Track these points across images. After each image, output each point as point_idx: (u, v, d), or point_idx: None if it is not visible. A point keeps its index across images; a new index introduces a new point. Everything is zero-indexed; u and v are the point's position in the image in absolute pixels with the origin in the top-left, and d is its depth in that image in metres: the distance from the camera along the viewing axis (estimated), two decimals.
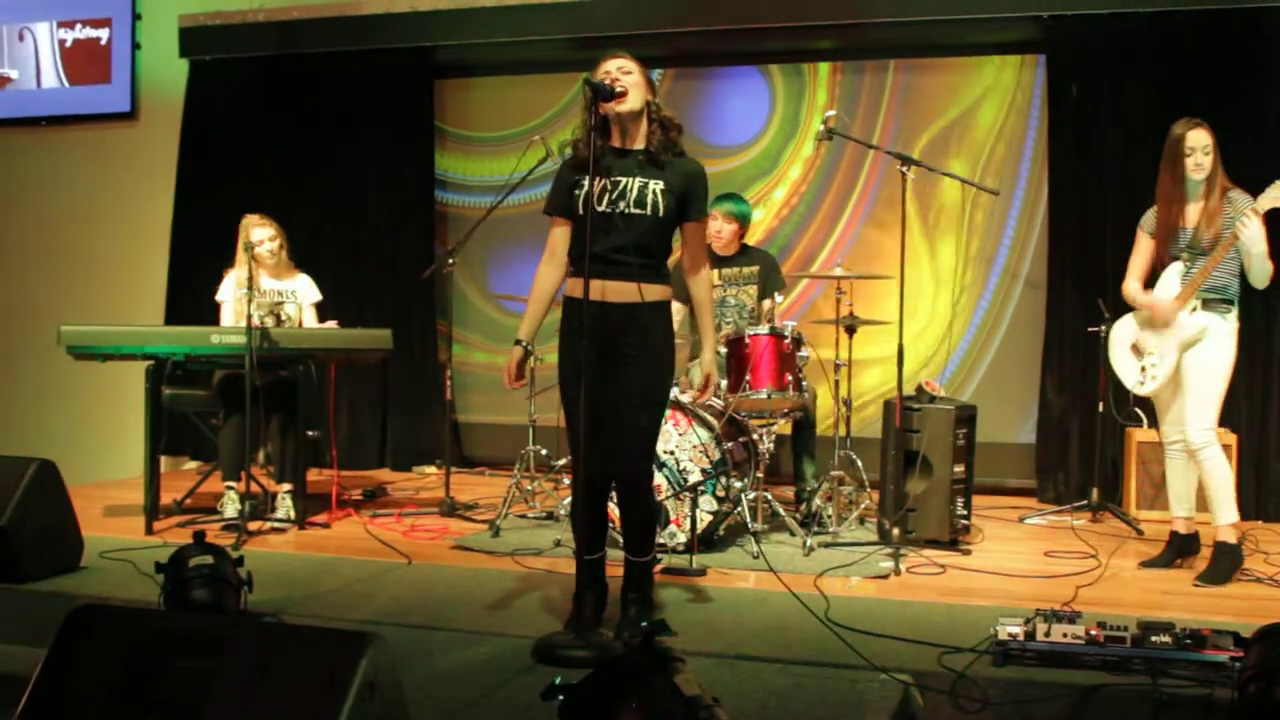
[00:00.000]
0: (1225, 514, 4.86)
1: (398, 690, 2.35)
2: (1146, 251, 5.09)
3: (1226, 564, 4.86)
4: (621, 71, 3.87)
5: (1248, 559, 5.20)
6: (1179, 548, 5.11)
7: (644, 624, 3.81)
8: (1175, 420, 5.03)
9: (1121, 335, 5.23)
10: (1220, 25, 6.48)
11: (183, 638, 2.39)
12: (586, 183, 3.83)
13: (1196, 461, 4.87)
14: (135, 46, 8.55)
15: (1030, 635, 3.61)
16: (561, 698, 2.17)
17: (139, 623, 2.52)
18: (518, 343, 4.09)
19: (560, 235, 4.05)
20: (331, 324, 6.11)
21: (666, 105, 4.00)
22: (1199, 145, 4.83)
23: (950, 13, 6.95)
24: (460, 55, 8.04)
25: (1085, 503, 6.31)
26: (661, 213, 3.86)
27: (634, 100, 3.86)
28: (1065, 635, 3.59)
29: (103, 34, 8.58)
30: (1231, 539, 4.88)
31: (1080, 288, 6.68)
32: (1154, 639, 3.53)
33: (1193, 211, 4.90)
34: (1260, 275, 4.82)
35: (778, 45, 7.53)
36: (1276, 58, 6.39)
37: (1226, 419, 6.36)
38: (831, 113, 5.43)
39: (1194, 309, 4.86)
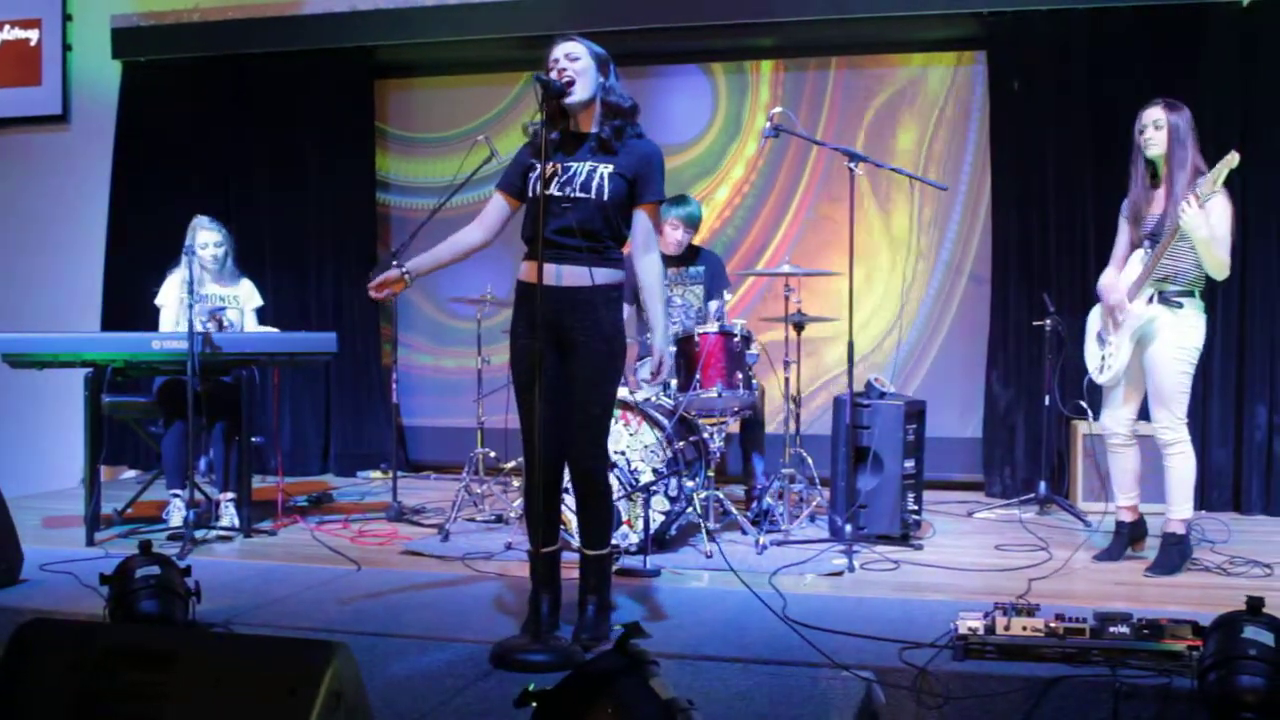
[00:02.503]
0: (1182, 508, 4.91)
1: (363, 700, 2.30)
2: (1123, 238, 5.06)
3: (1176, 554, 4.90)
4: (569, 59, 3.83)
5: (1195, 549, 5.27)
6: (1129, 536, 5.14)
7: (619, 626, 3.77)
8: (1114, 412, 5.07)
9: (1091, 323, 5.21)
10: (1157, 20, 6.55)
11: (135, 651, 2.32)
12: (537, 164, 3.81)
13: (1165, 457, 4.90)
14: (66, 48, 8.37)
15: (990, 629, 3.61)
16: (535, 705, 2.13)
17: (89, 637, 2.44)
18: (398, 265, 4.01)
19: (495, 206, 4.03)
20: (271, 330, 6.03)
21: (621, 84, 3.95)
22: (1149, 121, 4.81)
23: (891, 10, 6.97)
24: (401, 55, 7.97)
25: (1032, 496, 6.35)
26: (606, 196, 3.81)
27: (581, 90, 3.82)
28: (1025, 628, 3.60)
29: (32, 35, 8.40)
30: (1181, 530, 4.92)
31: (1024, 282, 6.73)
32: (1112, 630, 3.55)
33: (1158, 197, 4.85)
34: (1212, 265, 4.71)
35: (719, 43, 7.54)
36: (1213, 51, 6.47)
37: None
38: (778, 109, 5.41)
39: (1149, 299, 4.83)
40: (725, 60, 7.62)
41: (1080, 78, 6.68)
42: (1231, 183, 6.15)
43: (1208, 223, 4.61)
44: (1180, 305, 4.81)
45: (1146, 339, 4.87)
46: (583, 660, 3.05)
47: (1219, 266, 4.73)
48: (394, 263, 4.02)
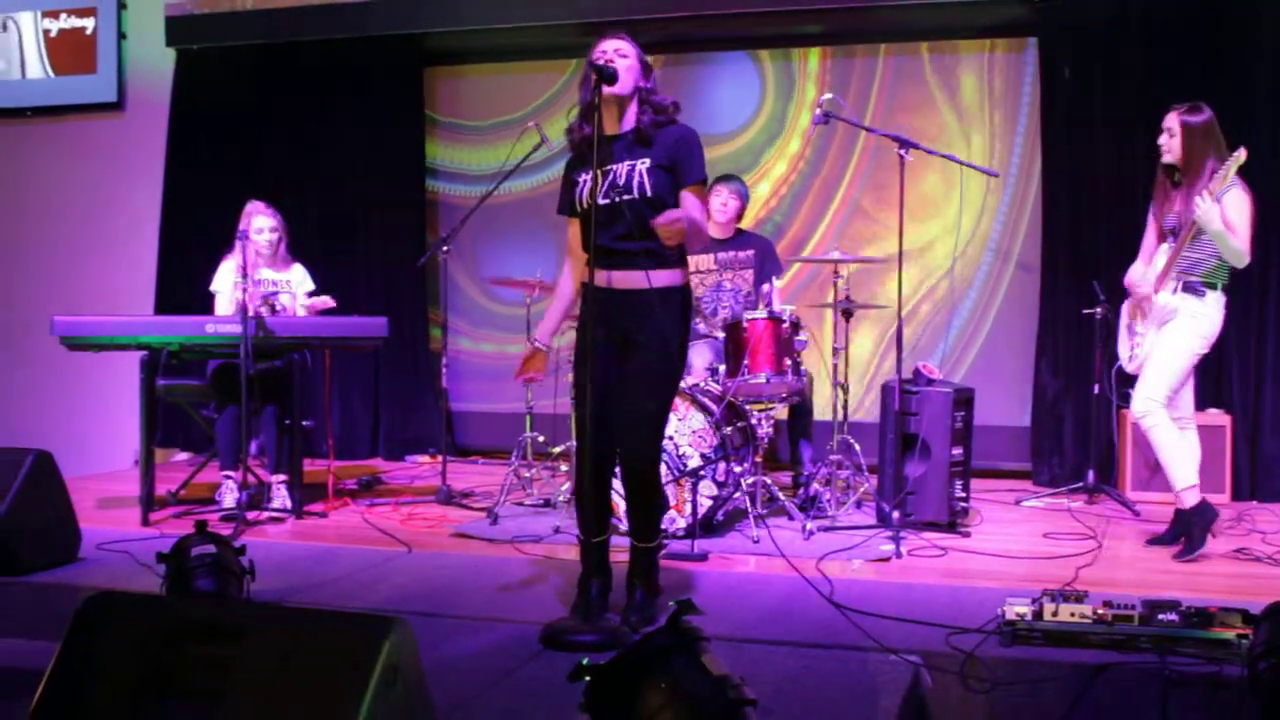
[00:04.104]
0: (1176, 481, 4.95)
1: (420, 675, 2.34)
2: (1151, 233, 5.20)
3: (1194, 530, 4.91)
4: (618, 54, 3.86)
5: (1244, 538, 5.27)
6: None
7: (672, 603, 3.82)
8: None
9: (1124, 315, 5.33)
10: (1211, 5, 6.49)
11: (200, 625, 2.37)
12: (582, 177, 3.86)
13: (1145, 430, 4.99)
14: (121, 36, 8.49)
15: (1038, 615, 3.61)
16: (588, 678, 2.17)
17: (154, 611, 2.50)
18: (530, 340, 4.16)
19: (573, 234, 4.09)
20: (327, 299, 6.08)
21: (663, 89, 3.99)
22: (1165, 127, 4.99)
23: None
24: (451, 42, 8.02)
25: (1081, 485, 6.32)
26: (650, 191, 3.83)
27: (623, 84, 3.84)
28: (1073, 615, 3.60)
29: (88, 23, 8.52)
30: (1189, 503, 4.94)
31: (1074, 270, 6.69)
32: (1160, 617, 3.54)
33: (1179, 194, 4.97)
34: (1231, 253, 4.85)
35: (768, 30, 7.52)
36: (1266, 35, 6.41)
37: (1220, 399, 6.44)
38: (827, 95, 5.43)
39: (1174, 289, 4.95)
40: (772, 47, 7.62)
41: (1133, 65, 6.63)
42: None
43: (1222, 216, 4.76)
44: (1203, 294, 4.93)
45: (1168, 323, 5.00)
46: (631, 641, 3.09)
47: (1237, 255, 4.86)
48: (530, 341, 4.20)
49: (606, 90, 3.81)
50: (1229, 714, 3.17)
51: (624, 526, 4.15)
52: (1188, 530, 4.93)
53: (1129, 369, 5.23)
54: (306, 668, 2.22)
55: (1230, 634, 3.47)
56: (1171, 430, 4.94)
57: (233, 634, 2.28)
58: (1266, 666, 3.01)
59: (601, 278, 3.80)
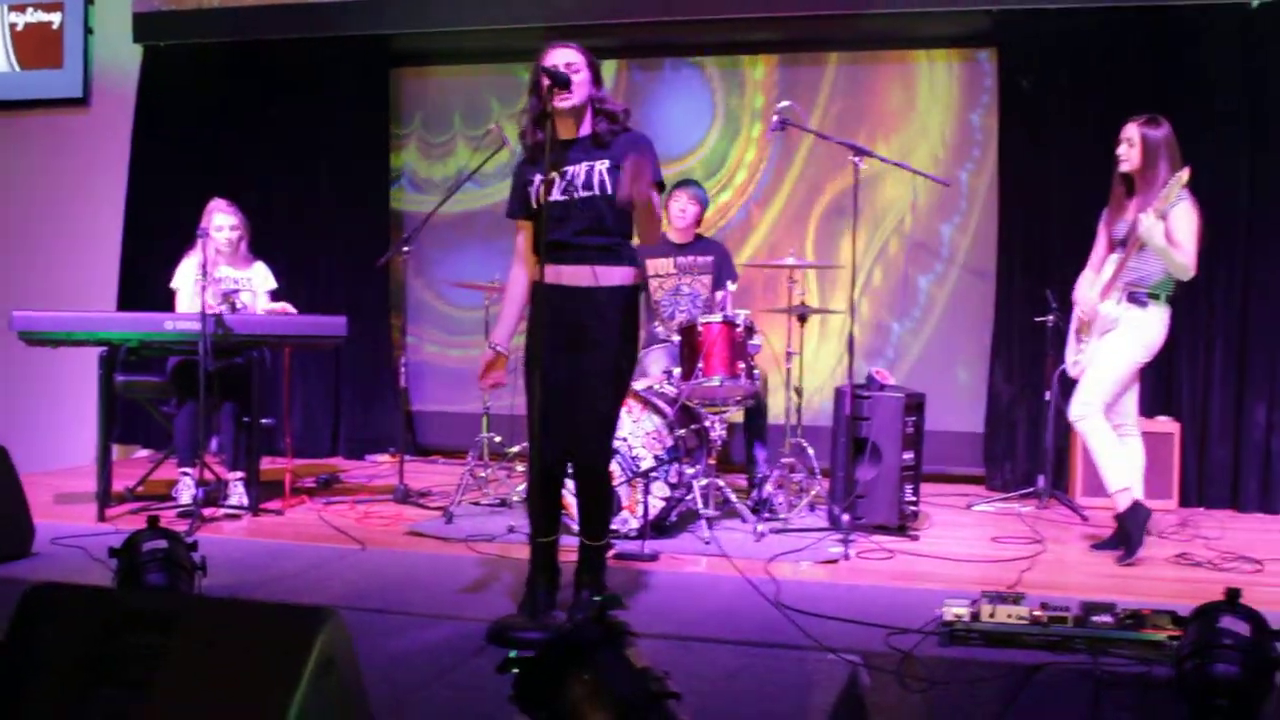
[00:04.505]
0: (1110, 484, 5.05)
1: (354, 667, 2.38)
2: (1100, 244, 5.30)
3: (1131, 532, 5.00)
4: (569, 68, 3.91)
5: (1187, 543, 5.38)
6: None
7: (595, 599, 3.88)
8: None
9: (1073, 322, 5.41)
10: (1167, 20, 6.59)
11: (136, 614, 2.41)
12: (537, 177, 3.91)
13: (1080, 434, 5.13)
14: (88, 31, 8.47)
15: (975, 616, 3.69)
16: (515, 670, 2.22)
17: (92, 601, 2.53)
18: (489, 345, 4.17)
19: (522, 238, 4.13)
20: (287, 306, 6.11)
21: (616, 96, 4.05)
22: (1124, 137, 5.07)
23: (901, 6, 7.03)
24: (417, 43, 8.05)
25: (1032, 490, 6.41)
26: (609, 189, 3.90)
27: (577, 96, 3.91)
28: (1009, 616, 3.68)
29: (55, 18, 8.50)
30: (1122, 506, 5.03)
31: (1028, 278, 6.78)
32: (1095, 619, 3.63)
33: (1131, 205, 5.06)
34: (1176, 267, 4.95)
35: (728, 37, 7.59)
36: (1221, 50, 6.51)
37: (1169, 407, 6.54)
38: (785, 103, 5.49)
39: (1118, 300, 5.05)
40: (722, 54, 7.69)
41: (1090, 77, 6.72)
42: (1236, 180, 6.29)
43: (1167, 232, 4.88)
44: (1146, 305, 5.04)
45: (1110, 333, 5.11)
46: None
47: (1181, 269, 4.97)
48: (489, 347, 4.17)
49: (561, 104, 3.87)
50: (1158, 713, 3.25)
51: (575, 526, 4.20)
52: (1125, 533, 5.02)
53: (1072, 374, 5.35)
54: (241, 658, 2.26)
55: (1162, 635, 3.56)
56: (1106, 434, 5.04)
57: (168, 624, 2.32)
58: (1193, 667, 3.08)
59: (551, 273, 3.84)
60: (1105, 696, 3.32)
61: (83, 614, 2.47)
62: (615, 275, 3.95)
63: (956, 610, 3.71)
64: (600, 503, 4.09)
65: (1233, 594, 3.19)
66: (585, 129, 3.98)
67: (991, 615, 3.69)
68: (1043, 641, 3.63)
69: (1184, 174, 4.79)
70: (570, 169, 3.93)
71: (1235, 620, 3.10)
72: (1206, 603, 3.23)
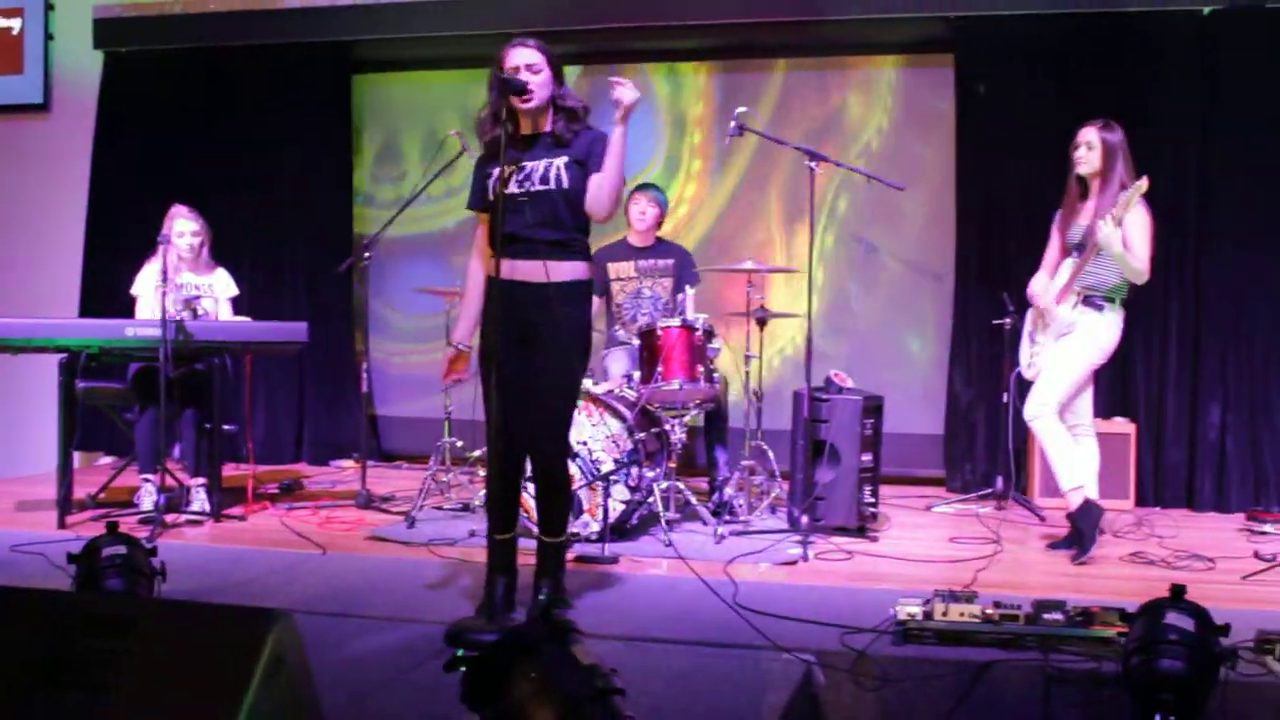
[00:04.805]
0: (1063, 482, 5.13)
1: (305, 668, 2.40)
2: (1054, 245, 5.37)
3: (1083, 530, 5.08)
4: (529, 69, 3.95)
5: (1142, 542, 5.44)
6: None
7: (541, 597, 3.91)
8: None
9: (1026, 324, 5.51)
10: (1122, 27, 6.67)
11: (92, 617, 2.42)
12: (495, 170, 3.94)
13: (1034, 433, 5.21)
14: (48, 37, 8.44)
15: (928, 615, 3.74)
16: (463, 669, 2.25)
17: (49, 605, 2.54)
18: (450, 343, 4.19)
19: (483, 231, 4.15)
20: (246, 320, 6.12)
21: (577, 92, 4.10)
22: (1082, 141, 5.14)
23: (860, 13, 7.10)
24: (378, 51, 8.06)
25: (990, 491, 6.48)
26: (566, 184, 3.94)
27: (538, 98, 3.96)
28: (962, 614, 3.72)
29: (14, 24, 8.47)
30: (1074, 504, 5.11)
31: (986, 282, 6.85)
32: (1046, 617, 3.68)
33: (1086, 209, 5.14)
34: (1131, 273, 5.04)
35: (684, 44, 7.69)
36: (1176, 58, 6.61)
37: (1125, 409, 6.62)
38: (743, 109, 5.53)
39: (1074, 304, 5.13)
40: (675, 60, 7.78)
41: (1047, 83, 6.80)
42: (1187, 185, 6.39)
43: (1123, 238, 4.93)
44: (1101, 308, 5.12)
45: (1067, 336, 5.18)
46: None
47: (1137, 274, 5.06)
48: (452, 344, 4.22)
49: (522, 105, 3.92)
50: (1107, 708, 3.31)
51: (535, 529, 4.22)
52: (1078, 531, 5.09)
53: (1027, 375, 5.42)
54: (192, 659, 2.28)
55: (1111, 632, 3.61)
56: (1060, 434, 5.12)
57: (121, 627, 2.33)
58: (1139, 662, 3.13)
59: (505, 267, 3.87)
60: (1055, 692, 3.38)
61: (39, 618, 2.47)
62: (565, 270, 3.98)
63: (910, 609, 3.75)
64: (557, 499, 4.12)
65: (1178, 590, 3.24)
66: (546, 126, 4.03)
67: (944, 614, 3.73)
68: (995, 639, 3.67)
69: (1143, 183, 4.86)
70: (529, 164, 3.97)
71: (1180, 616, 3.15)
72: (1152, 599, 3.28)
